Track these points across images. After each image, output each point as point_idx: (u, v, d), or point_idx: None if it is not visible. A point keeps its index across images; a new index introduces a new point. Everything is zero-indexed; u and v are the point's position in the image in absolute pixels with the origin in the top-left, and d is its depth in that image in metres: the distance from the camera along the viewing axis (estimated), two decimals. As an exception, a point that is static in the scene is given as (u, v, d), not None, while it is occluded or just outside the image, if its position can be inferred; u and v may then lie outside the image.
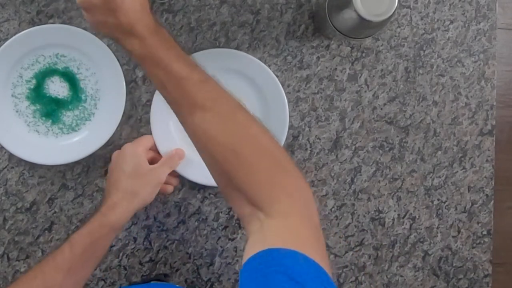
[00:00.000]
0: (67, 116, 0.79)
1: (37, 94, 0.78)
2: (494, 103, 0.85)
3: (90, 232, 0.67)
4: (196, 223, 0.82)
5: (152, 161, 0.76)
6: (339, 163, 0.83)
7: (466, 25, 0.85)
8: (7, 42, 0.75)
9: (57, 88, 0.79)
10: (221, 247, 0.82)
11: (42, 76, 0.78)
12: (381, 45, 0.83)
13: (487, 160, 0.85)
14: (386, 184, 0.84)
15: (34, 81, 0.78)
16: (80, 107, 0.79)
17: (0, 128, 0.77)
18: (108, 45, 0.77)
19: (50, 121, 0.79)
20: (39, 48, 0.77)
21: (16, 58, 0.77)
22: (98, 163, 0.80)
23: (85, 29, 0.77)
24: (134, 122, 0.80)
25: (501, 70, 1.58)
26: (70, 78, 0.79)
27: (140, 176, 0.72)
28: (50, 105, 0.79)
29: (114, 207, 0.69)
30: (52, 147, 0.78)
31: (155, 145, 0.78)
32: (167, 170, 0.75)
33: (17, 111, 0.78)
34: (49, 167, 0.79)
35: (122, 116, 0.78)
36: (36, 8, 0.79)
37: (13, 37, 0.76)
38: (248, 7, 0.82)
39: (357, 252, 0.84)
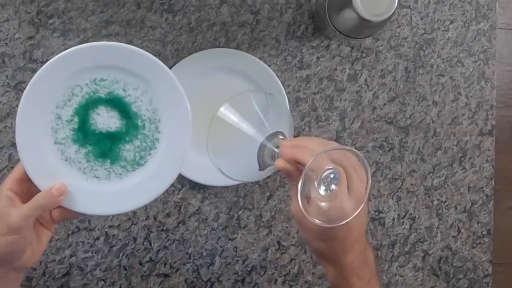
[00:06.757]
0: (127, 150, 0.64)
1: (84, 134, 0.63)
2: (494, 103, 0.85)
3: None
4: (196, 223, 0.82)
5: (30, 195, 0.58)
6: (339, 163, 0.83)
7: (466, 25, 0.85)
8: (30, 83, 0.59)
9: (105, 120, 0.63)
10: (221, 247, 0.82)
11: (84, 110, 0.63)
12: (381, 45, 0.83)
13: (487, 160, 0.85)
14: (386, 184, 0.84)
15: (76, 119, 0.62)
16: (139, 136, 0.64)
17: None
18: (153, 54, 0.64)
19: (108, 161, 0.64)
20: (70, 78, 0.61)
21: (47, 98, 0.61)
22: (98, 163, 0.80)
23: (117, 40, 0.70)
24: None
25: (501, 70, 1.58)
26: (118, 104, 0.63)
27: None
28: (103, 143, 0.63)
29: None
30: (120, 191, 0.63)
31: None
32: (33, 213, 0.55)
33: (66, 160, 0.62)
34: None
35: None
36: (36, 8, 0.79)
37: (35, 76, 0.59)
38: (248, 7, 0.82)
39: (357, 252, 0.84)
